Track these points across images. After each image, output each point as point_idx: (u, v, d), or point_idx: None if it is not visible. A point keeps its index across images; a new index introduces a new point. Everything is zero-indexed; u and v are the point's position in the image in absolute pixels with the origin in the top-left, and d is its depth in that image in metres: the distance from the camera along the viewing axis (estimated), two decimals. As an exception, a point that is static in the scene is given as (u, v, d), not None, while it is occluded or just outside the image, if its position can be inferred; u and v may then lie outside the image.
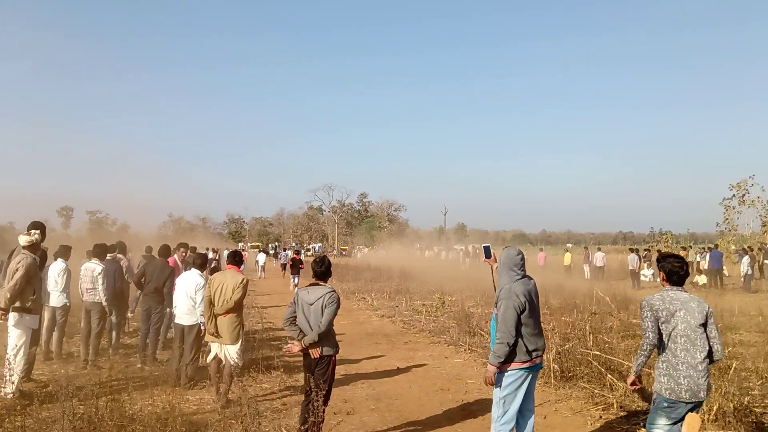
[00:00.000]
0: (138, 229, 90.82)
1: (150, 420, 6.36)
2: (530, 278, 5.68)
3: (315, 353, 6.04)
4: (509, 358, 5.35)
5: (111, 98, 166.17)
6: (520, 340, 5.37)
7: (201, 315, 8.27)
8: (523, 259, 5.68)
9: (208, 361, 8.21)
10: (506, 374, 5.43)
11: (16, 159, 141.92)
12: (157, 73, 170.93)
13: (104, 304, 9.86)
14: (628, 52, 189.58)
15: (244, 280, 7.87)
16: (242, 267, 9.73)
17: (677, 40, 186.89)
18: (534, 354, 5.44)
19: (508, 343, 5.29)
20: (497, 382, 5.48)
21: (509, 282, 5.51)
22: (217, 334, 7.75)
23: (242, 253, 11.79)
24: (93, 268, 9.95)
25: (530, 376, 5.51)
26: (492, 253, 6.95)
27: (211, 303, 7.77)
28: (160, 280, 10.30)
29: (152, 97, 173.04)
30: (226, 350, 7.79)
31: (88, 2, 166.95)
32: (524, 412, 5.59)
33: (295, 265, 24.80)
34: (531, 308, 5.46)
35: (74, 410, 6.28)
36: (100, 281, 9.85)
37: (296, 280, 24.23)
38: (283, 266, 35.21)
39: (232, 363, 7.77)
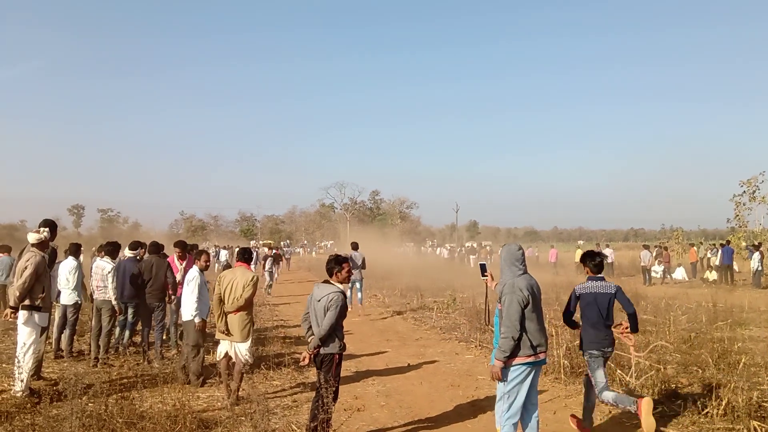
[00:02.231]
0: (149, 227, 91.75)
1: (160, 417, 6.39)
2: (530, 276, 5.68)
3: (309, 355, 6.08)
4: (514, 352, 5.37)
5: (123, 98, 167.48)
6: (524, 334, 5.38)
7: (195, 310, 8.40)
8: (523, 254, 5.73)
9: (218, 358, 8.23)
10: (511, 369, 5.44)
11: (27, 158, 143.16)
12: (168, 73, 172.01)
13: (114, 302, 9.89)
14: (639, 50, 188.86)
15: (255, 278, 7.87)
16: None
17: (689, 37, 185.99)
18: (538, 349, 5.45)
19: (513, 337, 5.30)
20: (504, 378, 5.48)
21: (512, 277, 5.54)
22: (227, 332, 7.76)
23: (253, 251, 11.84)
24: (103, 266, 9.98)
25: (534, 371, 5.52)
26: (488, 272, 6.90)
27: (221, 301, 7.78)
28: (160, 277, 10.40)
29: (164, 97, 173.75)
30: (237, 348, 7.80)
31: (100, 2, 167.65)
32: (528, 406, 5.60)
33: (275, 259, 27.44)
34: (534, 303, 5.48)
35: (84, 408, 6.32)
36: (110, 279, 9.87)
37: (273, 269, 26.12)
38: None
39: (242, 361, 7.78)
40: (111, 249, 10.37)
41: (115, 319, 10.11)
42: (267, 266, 23.85)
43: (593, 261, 6.77)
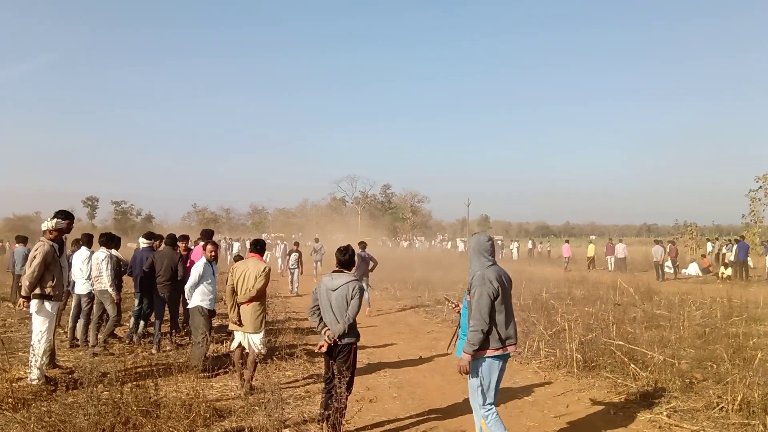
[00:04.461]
0: (162, 220, 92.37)
1: (174, 406, 6.42)
2: (500, 267, 5.57)
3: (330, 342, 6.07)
4: (483, 345, 5.26)
5: (136, 90, 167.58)
6: (493, 327, 5.28)
7: (190, 298, 8.59)
8: (493, 245, 5.62)
9: (231, 349, 8.28)
10: (481, 362, 5.33)
11: (43, 152, 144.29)
12: (181, 65, 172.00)
13: (110, 291, 9.94)
14: (652, 43, 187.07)
15: (267, 269, 7.90)
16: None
17: (701, 30, 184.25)
18: (507, 342, 5.34)
19: (482, 330, 5.19)
20: (472, 371, 5.39)
21: (481, 268, 5.42)
22: (240, 323, 7.81)
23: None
24: (98, 256, 10.04)
25: (501, 363, 5.40)
26: None
27: (233, 292, 7.83)
28: (169, 268, 10.46)
29: (177, 89, 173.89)
30: (250, 338, 7.84)
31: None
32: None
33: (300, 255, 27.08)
34: (504, 294, 5.36)
35: (99, 396, 6.36)
36: (104, 268, 9.92)
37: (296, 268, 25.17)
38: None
39: (255, 351, 7.82)
40: (104, 239, 10.41)
41: (117, 307, 10.15)
42: (291, 262, 22.17)
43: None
